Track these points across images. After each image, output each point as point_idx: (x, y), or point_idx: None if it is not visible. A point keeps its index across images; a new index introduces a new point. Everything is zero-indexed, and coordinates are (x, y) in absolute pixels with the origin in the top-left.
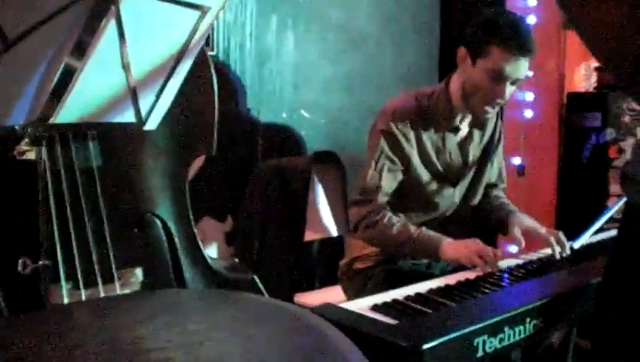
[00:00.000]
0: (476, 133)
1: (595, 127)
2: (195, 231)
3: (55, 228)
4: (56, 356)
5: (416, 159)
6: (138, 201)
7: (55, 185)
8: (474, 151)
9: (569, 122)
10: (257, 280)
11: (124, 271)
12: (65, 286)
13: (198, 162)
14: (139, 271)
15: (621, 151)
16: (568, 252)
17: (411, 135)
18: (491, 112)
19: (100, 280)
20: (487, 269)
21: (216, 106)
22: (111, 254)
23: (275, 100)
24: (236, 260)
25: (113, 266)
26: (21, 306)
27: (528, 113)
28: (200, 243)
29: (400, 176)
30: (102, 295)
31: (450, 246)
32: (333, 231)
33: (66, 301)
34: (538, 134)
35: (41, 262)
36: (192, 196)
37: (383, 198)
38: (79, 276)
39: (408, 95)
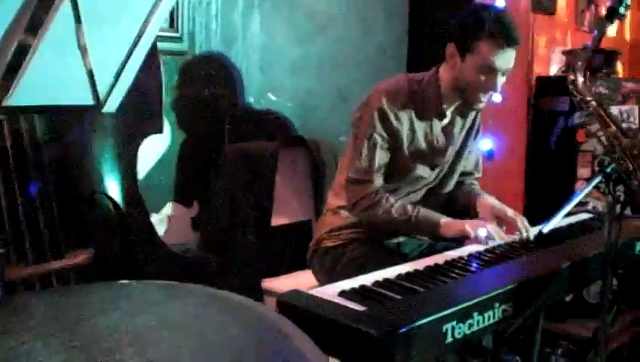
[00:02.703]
0: (458, 120)
1: (563, 111)
2: (148, 211)
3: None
4: None
5: (404, 140)
6: (87, 180)
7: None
8: (455, 137)
9: (537, 106)
10: (210, 257)
11: (76, 253)
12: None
13: (162, 146)
14: (88, 251)
15: (589, 135)
16: (531, 236)
17: (403, 116)
18: (484, 101)
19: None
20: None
21: (162, 87)
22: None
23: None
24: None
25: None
26: None
27: (496, 97)
28: (153, 224)
29: (389, 155)
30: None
31: (451, 225)
32: (301, 216)
33: None
34: (506, 118)
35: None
36: (158, 181)
37: (379, 177)
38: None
39: (401, 78)
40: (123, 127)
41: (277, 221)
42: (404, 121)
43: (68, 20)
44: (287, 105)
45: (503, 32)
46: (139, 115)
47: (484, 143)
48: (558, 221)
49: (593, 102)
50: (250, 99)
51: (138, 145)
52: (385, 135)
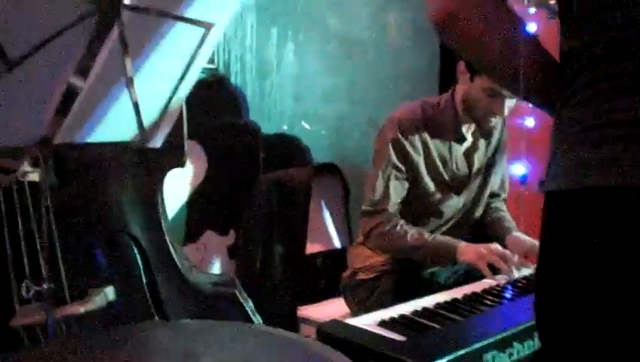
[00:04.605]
0: (482, 142)
1: None
2: (170, 246)
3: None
4: None
5: (423, 168)
6: (106, 220)
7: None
8: (479, 161)
9: None
10: (239, 295)
11: (93, 291)
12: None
13: (199, 176)
14: (109, 290)
15: None
16: None
17: (418, 144)
18: (494, 121)
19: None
20: (507, 274)
21: (185, 120)
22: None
23: (276, 112)
24: (230, 275)
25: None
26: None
27: (530, 121)
28: (176, 258)
29: (407, 185)
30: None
31: (469, 249)
32: (336, 243)
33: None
34: (540, 142)
35: (45, 286)
36: (194, 210)
37: (393, 207)
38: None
39: (415, 105)
40: (144, 162)
41: (312, 249)
42: (420, 149)
43: (116, 59)
44: (321, 133)
45: None
46: (160, 148)
47: (518, 168)
48: None
49: None
50: (284, 128)
51: (160, 179)
52: (401, 166)
